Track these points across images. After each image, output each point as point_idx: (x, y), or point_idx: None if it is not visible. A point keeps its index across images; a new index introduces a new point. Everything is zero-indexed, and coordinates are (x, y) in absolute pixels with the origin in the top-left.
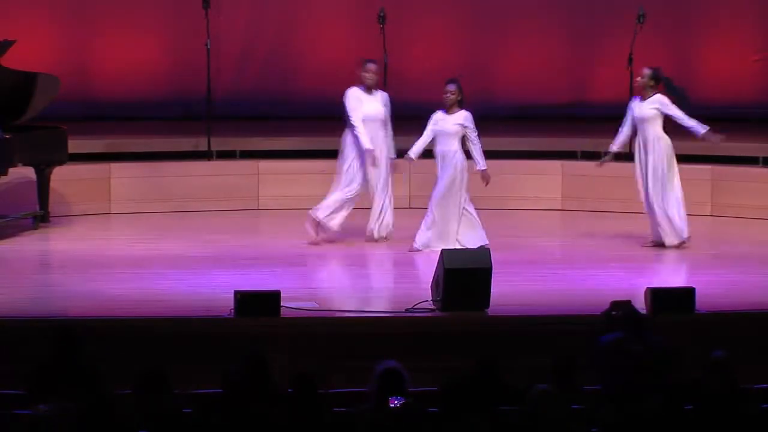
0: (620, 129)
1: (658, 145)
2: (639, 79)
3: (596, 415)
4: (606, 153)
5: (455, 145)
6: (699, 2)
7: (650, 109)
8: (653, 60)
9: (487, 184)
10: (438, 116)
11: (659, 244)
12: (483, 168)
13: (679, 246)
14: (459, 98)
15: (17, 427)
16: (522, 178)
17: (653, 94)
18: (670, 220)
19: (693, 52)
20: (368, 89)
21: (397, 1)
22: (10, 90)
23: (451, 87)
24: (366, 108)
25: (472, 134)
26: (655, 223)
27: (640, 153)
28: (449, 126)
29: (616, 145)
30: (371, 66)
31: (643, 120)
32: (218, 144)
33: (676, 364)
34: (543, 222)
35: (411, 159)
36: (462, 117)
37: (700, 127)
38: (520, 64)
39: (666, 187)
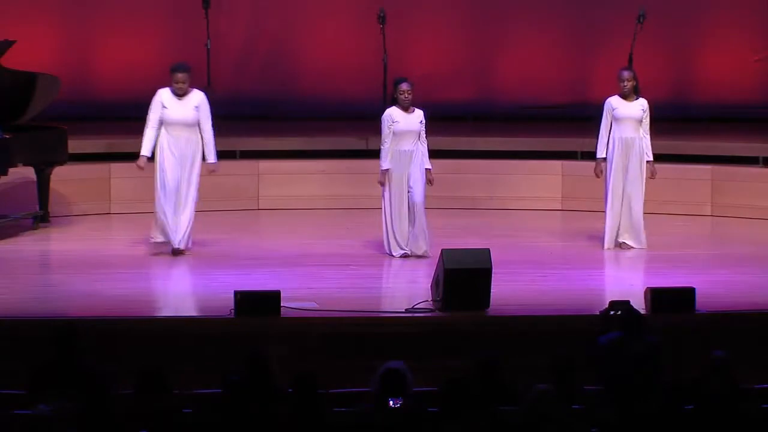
0: (601, 133)
1: (640, 145)
2: (628, 83)
3: (596, 415)
4: (598, 161)
5: (417, 144)
6: (699, 2)
7: (640, 109)
8: (653, 60)
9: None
10: (396, 115)
11: (619, 245)
12: (430, 167)
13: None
14: None
15: (17, 427)
16: (522, 178)
17: (637, 97)
18: (640, 221)
19: (693, 52)
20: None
21: (397, 1)
22: (10, 90)
23: (407, 86)
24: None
25: (424, 133)
26: (622, 224)
27: (620, 152)
28: (416, 125)
29: (604, 151)
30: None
31: (633, 120)
32: (218, 144)
33: (670, 364)
34: (543, 222)
35: (388, 167)
36: (422, 115)
37: (649, 153)
38: (520, 64)
39: (641, 189)
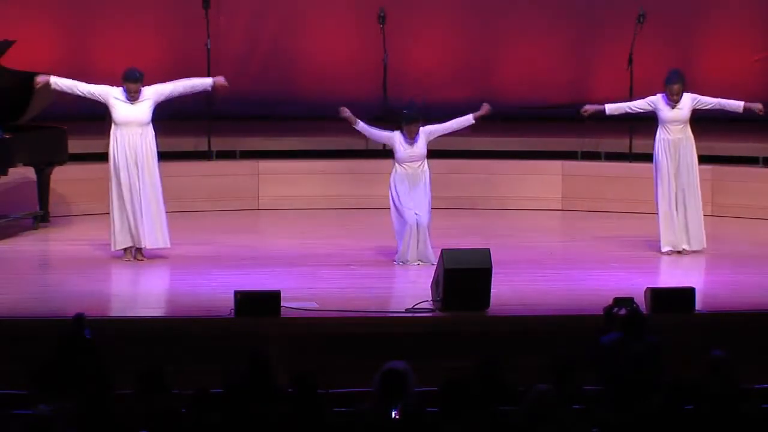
0: (624, 104)
1: (689, 147)
2: (676, 97)
3: (596, 415)
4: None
5: (424, 165)
6: (699, 2)
7: (687, 111)
8: (653, 60)
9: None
10: (400, 139)
11: (676, 251)
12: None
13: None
14: None
15: (17, 427)
16: (522, 178)
17: (681, 96)
18: (700, 223)
19: (693, 52)
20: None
21: (397, 1)
22: (10, 90)
23: (416, 127)
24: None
25: (438, 127)
26: (679, 226)
27: (668, 154)
28: (422, 150)
29: (611, 109)
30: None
31: (681, 121)
32: (218, 144)
33: (670, 364)
34: (543, 222)
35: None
36: (424, 136)
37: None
38: (520, 64)
39: (697, 193)
